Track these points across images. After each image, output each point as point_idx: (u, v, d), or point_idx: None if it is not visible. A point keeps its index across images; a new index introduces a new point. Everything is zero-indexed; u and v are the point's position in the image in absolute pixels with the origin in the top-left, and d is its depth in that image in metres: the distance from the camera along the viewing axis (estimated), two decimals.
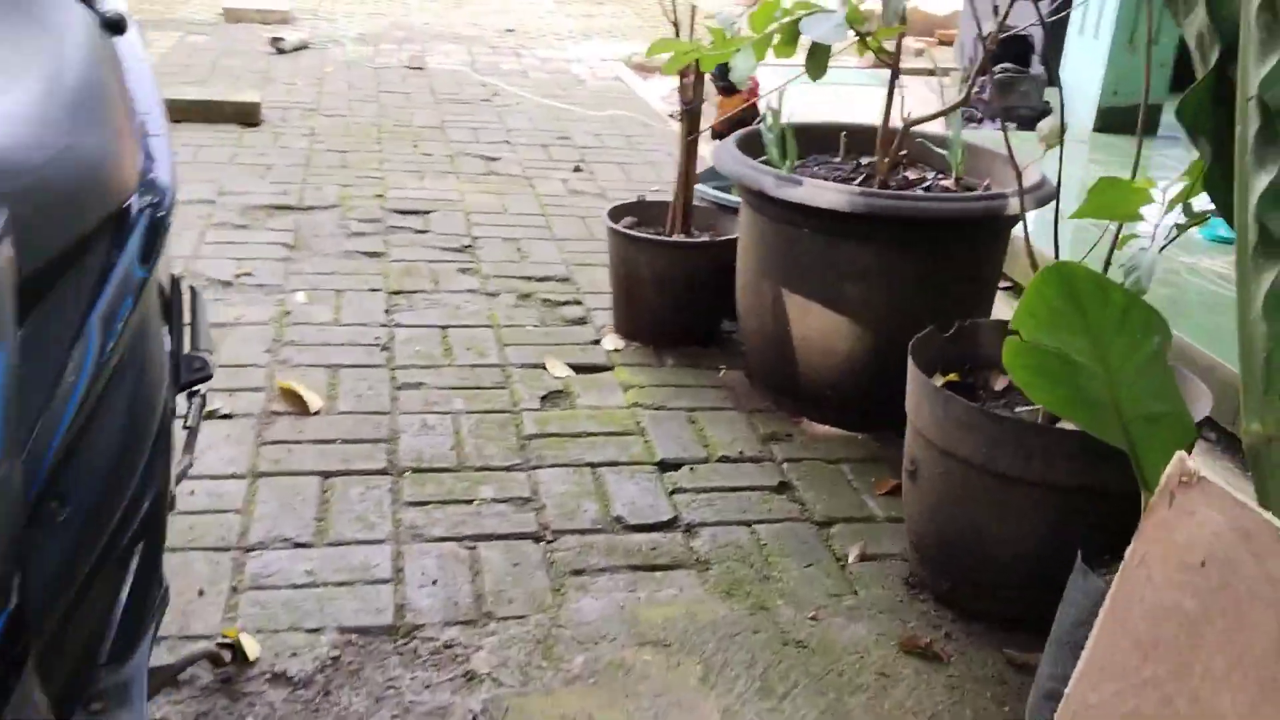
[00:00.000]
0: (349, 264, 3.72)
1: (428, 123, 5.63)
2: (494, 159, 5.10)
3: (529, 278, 3.74)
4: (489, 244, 4.02)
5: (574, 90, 6.69)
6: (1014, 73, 5.83)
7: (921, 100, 6.85)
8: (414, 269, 3.72)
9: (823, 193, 2.63)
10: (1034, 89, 5.87)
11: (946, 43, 9.22)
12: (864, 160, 3.17)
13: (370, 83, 6.45)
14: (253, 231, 3.94)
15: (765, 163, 3.01)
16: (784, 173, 2.76)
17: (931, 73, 8.23)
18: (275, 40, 7.07)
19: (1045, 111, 5.88)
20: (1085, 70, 5.59)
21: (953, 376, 2.27)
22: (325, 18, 8.52)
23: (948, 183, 3.07)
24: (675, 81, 3.43)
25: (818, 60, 2.69)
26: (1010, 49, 5.98)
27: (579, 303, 3.56)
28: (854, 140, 3.26)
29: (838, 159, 3.20)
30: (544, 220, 4.33)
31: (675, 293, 3.26)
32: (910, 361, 2.17)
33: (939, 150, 3.13)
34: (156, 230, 1.37)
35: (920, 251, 2.72)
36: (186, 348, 1.57)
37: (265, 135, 5.16)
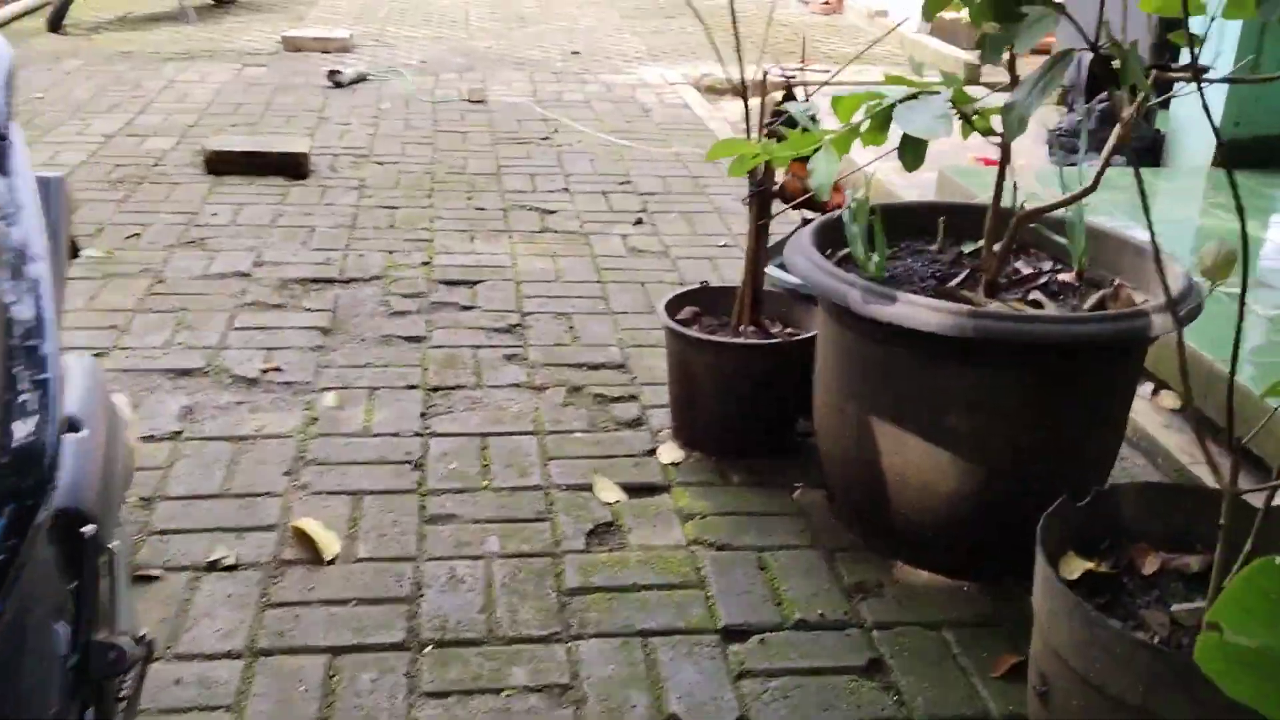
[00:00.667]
0: (387, 352, 3.39)
1: (483, 169, 5.29)
2: (550, 211, 4.75)
3: (581, 365, 3.38)
4: (539, 322, 3.66)
5: (639, 122, 6.31)
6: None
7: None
8: (456, 358, 3.38)
9: (921, 312, 2.22)
10: (1142, 117, 5.34)
11: (1042, 51, 8.66)
12: (965, 249, 2.74)
13: (427, 120, 6.15)
14: (287, 313, 3.63)
15: (848, 258, 2.61)
16: (872, 282, 2.35)
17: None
18: (332, 74, 6.81)
19: (1156, 142, 5.37)
20: (1195, 98, 5.06)
21: (1090, 565, 1.85)
22: (387, 43, 8.26)
23: (1068, 277, 2.64)
24: (754, 104, 3.05)
25: (915, 151, 2.28)
26: (1112, 70, 5.47)
27: (634, 398, 3.19)
28: (951, 220, 2.84)
29: (934, 247, 2.79)
30: (600, 289, 3.96)
31: (742, 398, 2.87)
32: (1038, 553, 1.76)
33: (1056, 238, 2.69)
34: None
35: (1041, 378, 2.30)
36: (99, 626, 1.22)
37: (312, 189, 4.86)
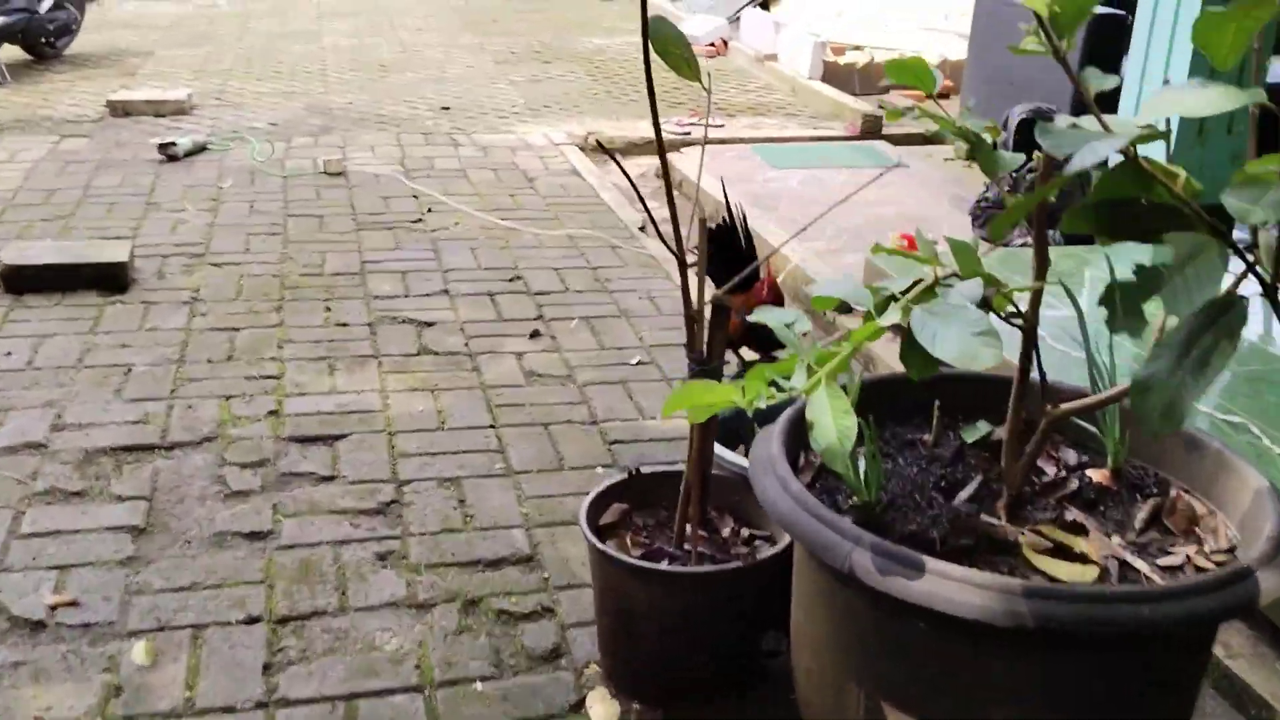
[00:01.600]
0: (219, 562, 2.62)
1: (344, 266, 4.53)
2: (428, 324, 4.01)
3: (477, 562, 2.66)
4: (421, 494, 2.93)
5: (523, 195, 5.61)
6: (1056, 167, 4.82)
7: (923, 182, 5.82)
8: (312, 563, 2.63)
9: (960, 591, 1.58)
10: (1075, 186, 4.86)
11: (940, 95, 8.22)
12: (965, 435, 2.12)
13: (276, 201, 5.34)
14: (89, 506, 2.83)
15: (832, 492, 1.96)
16: (881, 538, 1.69)
17: (931, 140, 7.25)
18: (165, 146, 5.94)
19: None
20: None
21: None
22: (232, 102, 7.39)
23: (1100, 476, 2.04)
24: (647, 164, 2.41)
25: (924, 361, 1.64)
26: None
27: (549, 610, 2.49)
28: (943, 393, 2.22)
29: (926, 436, 2.16)
30: (495, 438, 3.25)
31: (695, 634, 2.20)
32: None
33: (1086, 425, 2.09)
34: None
35: (1106, 664, 1.67)
36: None
37: (133, 308, 4.03)
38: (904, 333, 1.67)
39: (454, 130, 6.87)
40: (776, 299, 2.82)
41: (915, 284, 1.69)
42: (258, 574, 2.58)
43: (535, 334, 3.99)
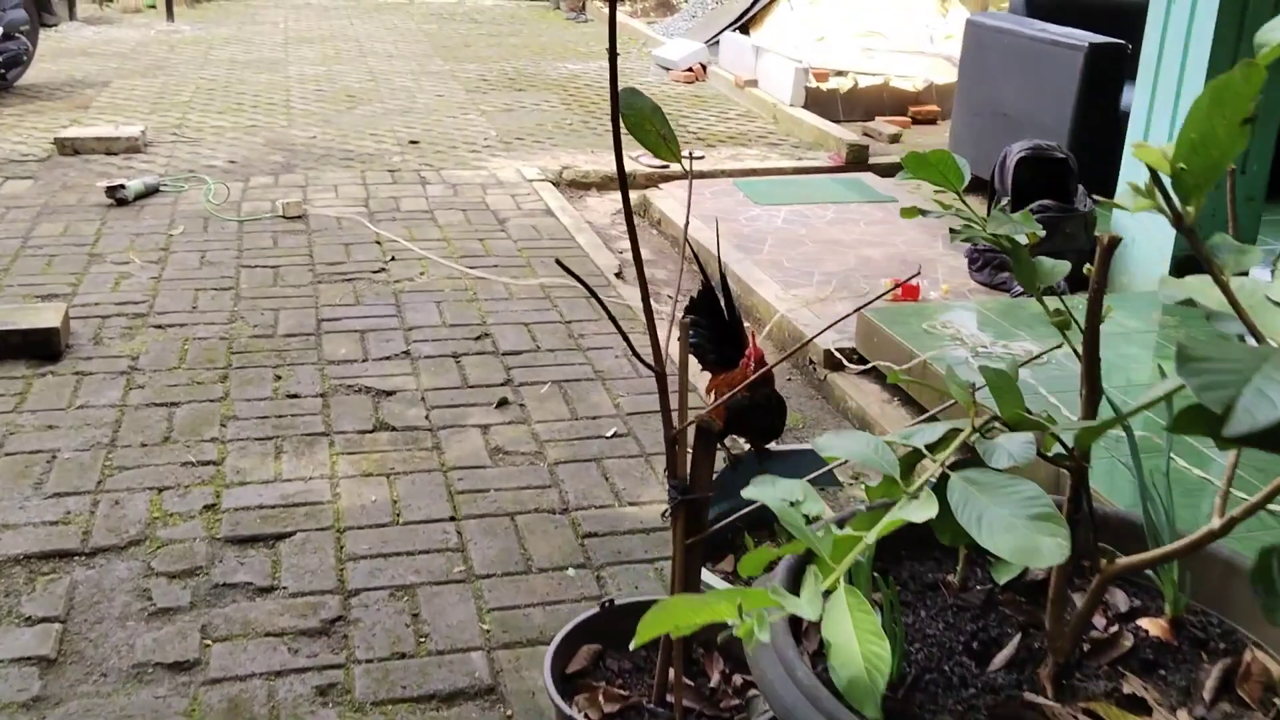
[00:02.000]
0: (136, 704, 2.29)
1: (298, 326, 4.20)
2: (387, 394, 3.69)
3: (431, 697, 2.34)
4: (369, 608, 2.61)
5: (494, 239, 5.30)
6: (1056, 211, 4.54)
7: (918, 226, 5.52)
8: (242, 703, 2.30)
9: None
10: (1080, 229, 4.59)
11: (925, 121, 7.99)
12: (999, 581, 1.81)
13: (230, 250, 5.01)
14: None
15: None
16: None
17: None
18: (113, 189, 5.60)
19: (1093, 254, 4.59)
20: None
21: None
22: (189, 138, 7.05)
23: (1158, 628, 1.74)
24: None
25: (954, 532, 1.33)
26: (1042, 173, 4.71)
27: None
28: None
29: (951, 577, 1.85)
30: (455, 532, 2.93)
31: None
32: None
33: (1146, 573, 1.78)
34: None
35: None
36: None
37: (64, 380, 3.70)
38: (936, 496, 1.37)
39: (422, 166, 6.55)
40: (761, 371, 2.50)
41: (949, 434, 1.39)
42: (179, 718, 2.25)
43: (503, 402, 3.67)
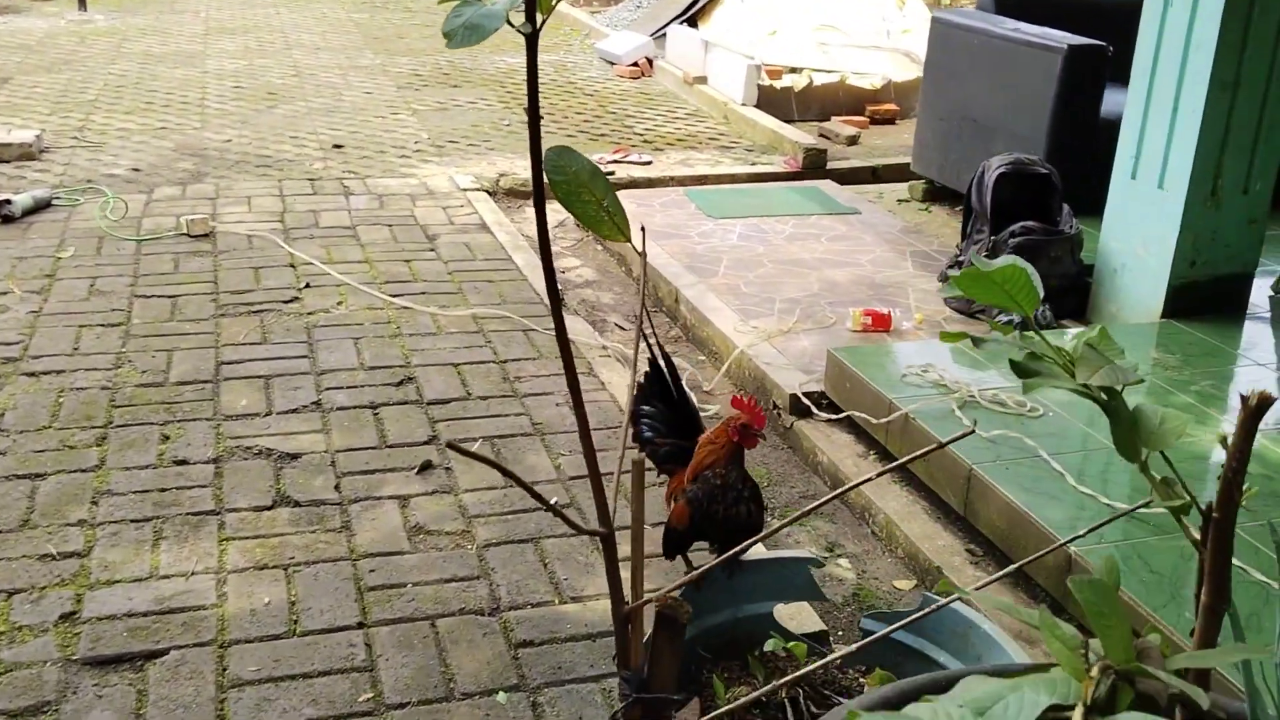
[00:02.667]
0: None
1: (193, 372, 3.69)
2: (291, 457, 3.20)
3: None
4: None
5: (422, 260, 4.81)
6: (1041, 234, 4.14)
7: (879, 233, 5.09)
8: None
9: None
10: (1066, 253, 4.19)
11: (884, 120, 7.58)
12: None
13: (124, 277, 4.48)
14: None
15: None
16: None
17: (880, 177, 6.55)
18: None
19: (1079, 280, 4.22)
20: (1145, 231, 3.93)
21: None
22: (91, 142, 6.47)
23: None
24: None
25: None
26: (1024, 189, 4.31)
27: None
28: None
29: None
30: (363, 644, 2.46)
31: None
32: None
33: None
34: None
35: None
36: None
37: None
38: None
39: (346, 174, 6.03)
40: (736, 458, 2.05)
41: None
42: None
43: (426, 466, 3.20)
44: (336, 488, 3.07)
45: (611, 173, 6.23)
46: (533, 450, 3.32)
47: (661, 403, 2.18)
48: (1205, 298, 3.90)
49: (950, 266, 4.36)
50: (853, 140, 7.06)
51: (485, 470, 3.18)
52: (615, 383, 3.79)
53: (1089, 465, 2.93)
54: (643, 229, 1.73)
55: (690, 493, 2.04)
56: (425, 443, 3.33)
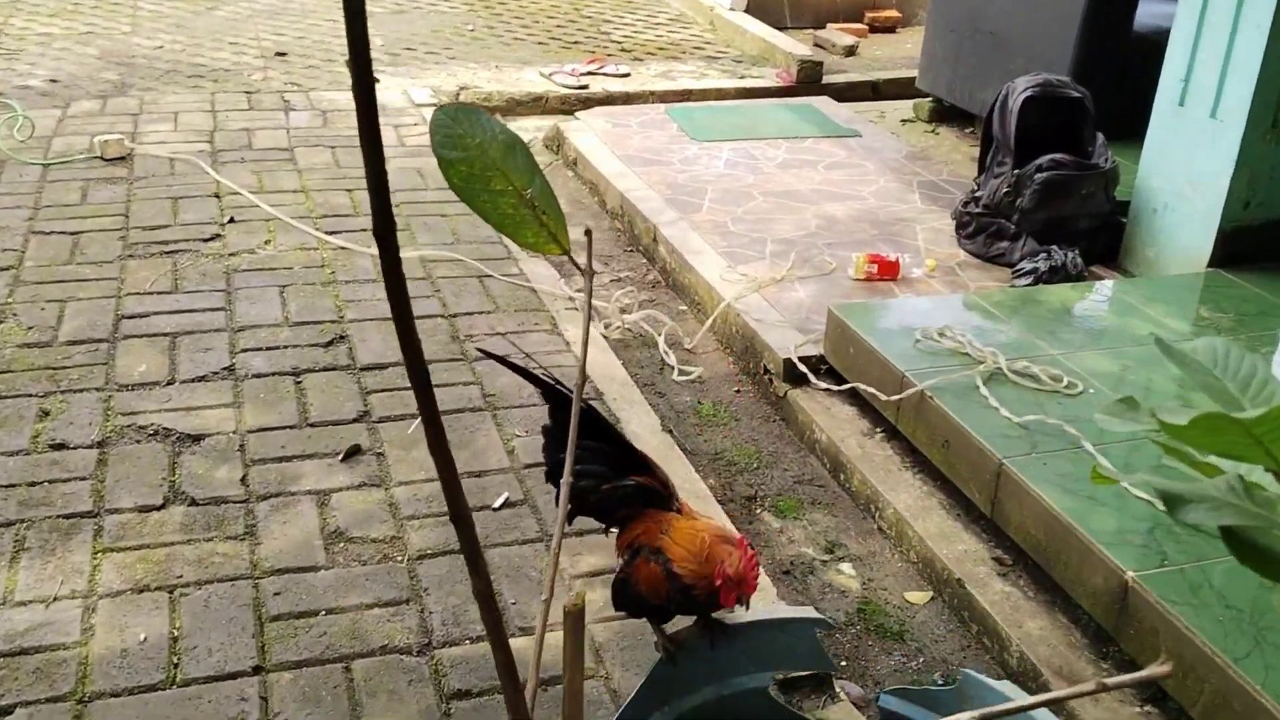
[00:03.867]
0: None
1: (88, 329, 3.16)
2: (192, 440, 2.70)
3: None
4: None
5: (365, 189, 4.24)
6: (1073, 167, 3.60)
7: (882, 160, 4.54)
8: None
9: None
10: (1100, 189, 3.66)
11: (884, 28, 6.97)
12: None
13: (22, 210, 3.91)
14: None
15: None
16: None
17: (881, 94, 5.93)
18: None
19: (1111, 218, 3.70)
20: (1193, 166, 3.41)
21: None
22: (7, 49, 5.81)
23: None
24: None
25: None
26: (1052, 116, 3.76)
27: None
28: None
29: None
30: (257, 697, 1.99)
31: None
32: None
33: None
34: None
35: None
36: None
37: None
38: None
39: (288, 86, 5.41)
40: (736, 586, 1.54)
41: None
42: None
43: (354, 452, 2.70)
44: (243, 480, 2.57)
45: (585, 85, 5.64)
46: (483, 429, 2.82)
47: (594, 439, 1.67)
48: (1259, 245, 3.40)
49: (966, 204, 3.83)
50: (850, 50, 6.45)
51: (427, 455, 2.69)
52: (581, 341, 3.28)
53: (1141, 460, 2.44)
54: (588, 233, 1.20)
55: (666, 564, 1.55)
56: (354, 420, 2.82)
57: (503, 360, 1.55)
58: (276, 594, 2.23)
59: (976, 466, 2.52)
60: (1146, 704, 2.10)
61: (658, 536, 1.59)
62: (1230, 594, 2.06)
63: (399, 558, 2.37)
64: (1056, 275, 3.46)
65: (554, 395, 1.63)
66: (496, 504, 2.54)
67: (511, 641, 2.14)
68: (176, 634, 2.12)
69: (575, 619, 1.22)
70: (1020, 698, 1.53)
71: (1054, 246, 3.54)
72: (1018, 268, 3.57)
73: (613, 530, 1.69)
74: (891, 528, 2.65)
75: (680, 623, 1.66)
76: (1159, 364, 2.83)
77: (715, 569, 1.50)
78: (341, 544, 2.40)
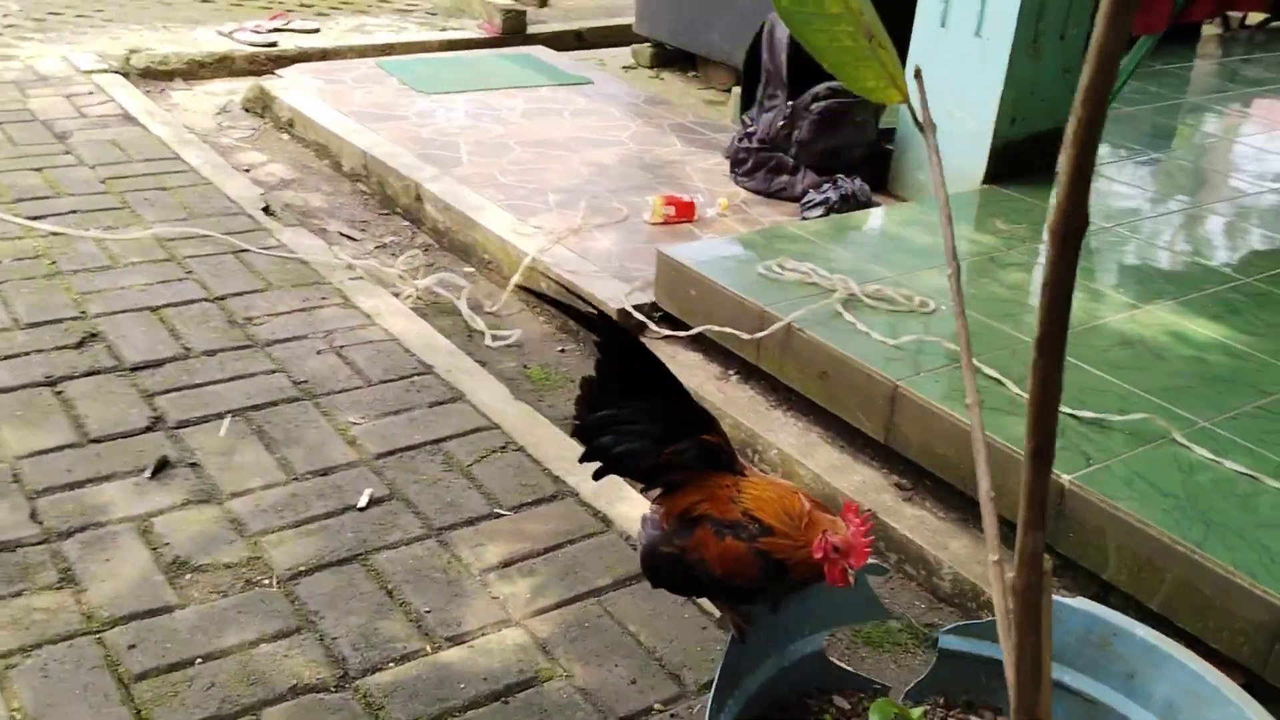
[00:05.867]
0: None
1: None
2: None
3: None
4: None
5: (58, 166, 3.59)
6: (849, 95, 3.61)
7: (623, 106, 4.41)
8: None
9: None
10: (870, 117, 3.70)
11: None
12: None
13: None
14: None
15: None
16: None
17: (584, 42, 5.78)
18: None
19: (878, 149, 3.76)
20: (961, 87, 3.50)
21: None
22: None
23: None
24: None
25: None
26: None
27: None
28: None
29: None
30: None
31: None
32: None
33: None
34: None
35: None
36: None
37: None
38: None
39: None
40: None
41: None
42: None
43: (163, 466, 2.22)
44: (33, 517, 2.04)
45: (274, 43, 5.09)
46: (309, 421, 2.41)
47: (639, 397, 1.42)
48: (1023, 159, 3.55)
49: (740, 140, 3.75)
50: (543, 2, 6.24)
51: (251, 453, 2.26)
52: (384, 311, 2.91)
53: (1021, 368, 2.45)
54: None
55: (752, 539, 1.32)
56: (146, 429, 2.33)
57: (541, 295, 1.27)
58: (131, 647, 1.77)
59: (866, 394, 2.43)
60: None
61: (728, 505, 1.36)
62: (1161, 483, 2.08)
63: (266, 581, 1.96)
64: (848, 204, 3.46)
65: (605, 332, 1.36)
66: (362, 503, 2.17)
67: (445, 654, 1.83)
68: (19, 718, 1.63)
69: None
70: (1122, 621, 1.43)
71: (839, 176, 3.54)
72: (806, 200, 3.54)
73: (652, 491, 1.44)
74: (777, 469, 2.52)
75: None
76: (991, 275, 2.88)
77: (815, 541, 1.29)
78: (189, 575, 1.95)
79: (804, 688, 1.48)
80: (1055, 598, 1.50)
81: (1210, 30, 6.19)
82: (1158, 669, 1.40)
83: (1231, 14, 6.50)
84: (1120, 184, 3.69)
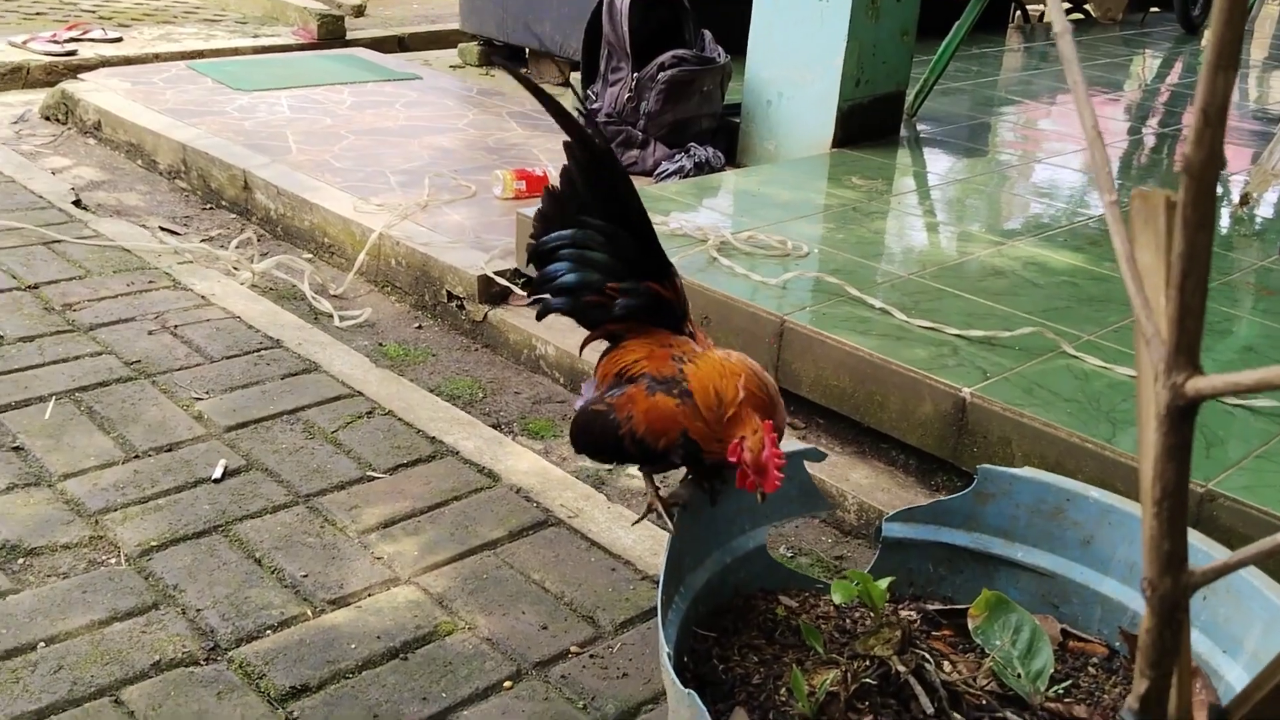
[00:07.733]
0: None
1: None
2: None
3: None
4: None
5: None
6: (694, 63, 3.55)
7: (457, 97, 4.27)
8: None
9: None
10: (716, 85, 3.66)
11: None
12: None
13: None
14: None
15: None
16: None
17: (405, 45, 5.60)
18: None
19: (724, 122, 3.72)
20: (806, 51, 3.49)
21: None
22: None
23: None
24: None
25: None
26: (651, 19, 3.69)
27: None
28: None
29: None
30: None
31: None
32: None
33: None
34: None
35: None
36: None
37: None
38: None
39: None
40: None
41: None
42: None
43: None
44: None
45: (73, 52, 4.74)
46: (148, 399, 2.16)
47: (602, 216, 1.29)
48: (868, 121, 3.56)
49: (585, 116, 3.64)
50: (359, 11, 6.03)
51: (82, 434, 2.00)
52: (221, 294, 2.67)
53: (904, 300, 2.40)
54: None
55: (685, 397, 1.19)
56: None
57: (518, 76, 1.15)
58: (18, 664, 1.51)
59: (751, 334, 2.34)
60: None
61: (669, 364, 1.23)
62: (1060, 390, 2.05)
63: (113, 560, 1.71)
64: (701, 172, 3.39)
65: (576, 136, 1.23)
66: (216, 474, 1.94)
67: (329, 617, 1.63)
68: None
69: None
70: (1074, 486, 1.36)
71: (691, 144, 3.47)
72: (659, 171, 3.46)
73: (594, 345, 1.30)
74: None
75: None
76: (857, 223, 2.84)
77: (732, 442, 1.17)
78: (21, 559, 1.69)
79: (749, 588, 1.35)
80: (1003, 469, 1.42)
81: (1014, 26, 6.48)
82: (1116, 529, 1.33)
83: (1030, 8, 6.84)
84: (966, 144, 3.75)
